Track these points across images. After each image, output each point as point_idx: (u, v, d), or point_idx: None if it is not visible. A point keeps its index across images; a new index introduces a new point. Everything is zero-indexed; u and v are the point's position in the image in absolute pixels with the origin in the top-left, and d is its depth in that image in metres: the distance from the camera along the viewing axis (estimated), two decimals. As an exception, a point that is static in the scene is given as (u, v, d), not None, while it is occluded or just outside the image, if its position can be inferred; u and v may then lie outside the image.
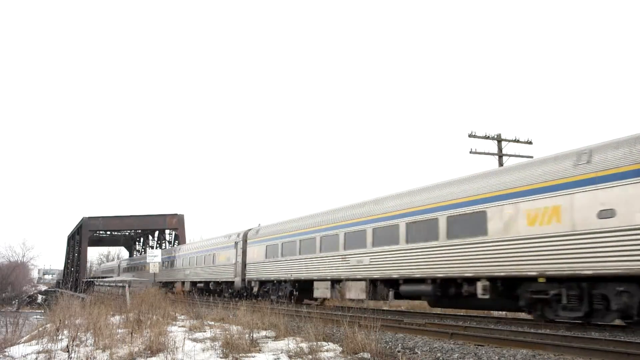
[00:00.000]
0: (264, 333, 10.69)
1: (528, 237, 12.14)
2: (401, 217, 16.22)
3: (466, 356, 7.86)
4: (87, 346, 10.38)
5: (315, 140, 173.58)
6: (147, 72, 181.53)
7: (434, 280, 14.59)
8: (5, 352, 11.21)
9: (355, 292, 17.55)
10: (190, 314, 14.58)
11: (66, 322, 13.26)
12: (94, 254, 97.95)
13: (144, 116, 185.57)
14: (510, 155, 28.09)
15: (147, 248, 61.83)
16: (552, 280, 11.66)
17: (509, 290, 12.84)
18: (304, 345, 8.93)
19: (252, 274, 26.86)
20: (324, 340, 9.32)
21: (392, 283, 16.46)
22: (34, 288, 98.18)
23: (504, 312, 17.12)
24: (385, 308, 18.80)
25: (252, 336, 9.92)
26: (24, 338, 14.12)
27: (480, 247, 13.25)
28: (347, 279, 18.16)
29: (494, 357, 7.71)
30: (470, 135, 27.65)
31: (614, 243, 10.46)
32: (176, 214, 57.28)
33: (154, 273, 33.04)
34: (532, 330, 10.61)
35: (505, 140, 28.40)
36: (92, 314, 14.32)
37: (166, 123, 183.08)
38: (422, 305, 19.86)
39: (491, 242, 12.99)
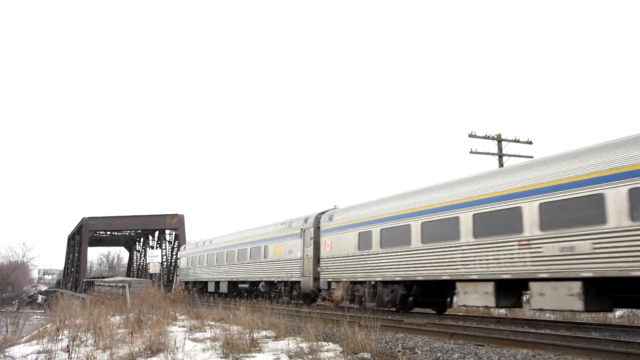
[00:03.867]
0: (264, 333, 10.68)
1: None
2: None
3: (466, 356, 7.87)
4: (87, 346, 10.38)
5: (315, 141, 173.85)
6: (148, 73, 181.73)
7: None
8: (5, 352, 11.21)
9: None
10: (191, 314, 14.55)
11: (66, 322, 13.25)
12: (94, 254, 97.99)
13: (144, 116, 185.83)
14: (510, 155, 28.08)
15: (147, 248, 61.85)
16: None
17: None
18: (304, 345, 8.93)
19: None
20: (324, 340, 9.31)
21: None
22: (34, 288, 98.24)
23: (503, 312, 18.17)
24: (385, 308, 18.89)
25: (252, 336, 9.92)
26: (24, 338, 14.14)
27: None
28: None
29: (494, 357, 7.71)
30: (470, 135, 27.65)
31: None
32: (176, 214, 57.21)
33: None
34: (532, 330, 10.63)
35: (505, 140, 28.39)
36: (93, 314, 14.33)
37: (166, 123, 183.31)
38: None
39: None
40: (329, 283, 19.76)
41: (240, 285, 27.63)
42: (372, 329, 8.74)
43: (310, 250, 21.21)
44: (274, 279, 24.03)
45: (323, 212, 21.35)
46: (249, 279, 26.71)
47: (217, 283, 31.01)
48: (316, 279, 20.57)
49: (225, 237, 31.82)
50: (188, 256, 38.19)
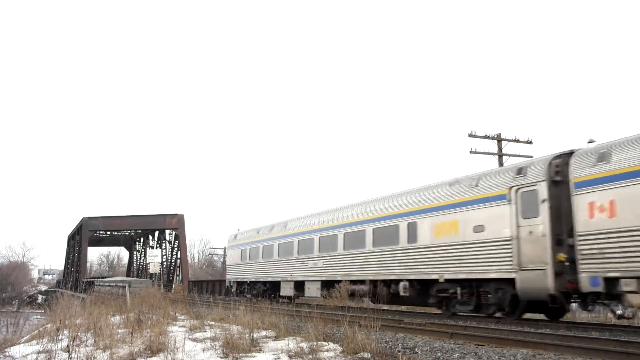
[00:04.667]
0: (264, 333, 10.69)
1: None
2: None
3: (466, 356, 7.87)
4: (87, 346, 10.40)
5: (315, 140, 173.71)
6: (147, 72, 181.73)
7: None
8: (5, 352, 11.23)
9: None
10: (191, 314, 14.59)
11: (66, 322, 13.26)
12: (94, 254, 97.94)
13: (144, 116, 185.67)
14: (510, 155, 28.12)
15: (147, 248, 61.86)
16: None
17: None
18: (304, 345, 8.94)
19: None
20: (324, 340, 9.31)
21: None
22: (34, 288, 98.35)
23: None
24: (385, 308, 18.87)
25: (252, 336, 9.93)
26: (25, 338, 14.14)
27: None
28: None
29: (494, 357, 7.72)
30: (470, 135, 27.69)
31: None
32: (176, 214, 57.25)
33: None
34: (532, 330, 10.64)
35: (505, 140, 28.43)
36: (93, 314, 14.35)
37: (166, 123, 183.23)
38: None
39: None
40: (610, 281, 10.90)
41: (350, 287, 18.55)
42: (372, 329, 8.74)
43: (539, 223, 12.35)
44: (436, 277, 14.98)
45: (567, 153, 12.54)
46: (370, 277, 17.53)
47: (298, 284, 22.15)
48: (560, 273, 11.85)
49: (310, 217, 22.48)
50: (243, 247, 28.16)
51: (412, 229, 16.11)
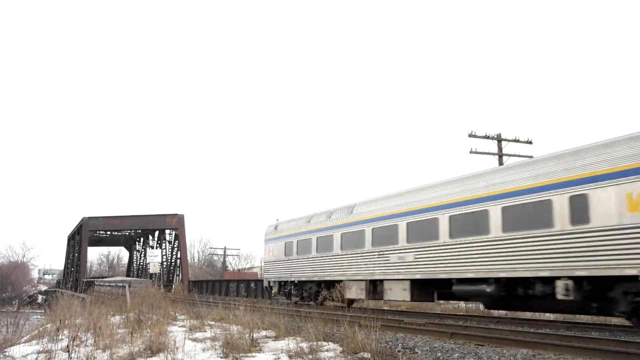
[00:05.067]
0: (264, 333, 10.69)
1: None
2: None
3: (466, 356, 7.87)
4: (87, 346, 10.39)
5: (316, 140, 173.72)
6: (147, 72, 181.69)
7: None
8: (5, 352, 11.22)
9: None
10: (191, 314, 14.59)
11: (66, 322, 13.27)
12: (94, 254, 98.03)
13: (144, 116, 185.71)
14: (510, 155, 28.15)
15: (147, 248, 61.86)
16: None
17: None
18: (304, 345, 8.94)
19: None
20: (324, 340, 9.32)
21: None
22: (34, 288, 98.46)
23: (503, 312, 16.93)
24: (385, 308, 18.80)
25: (252, 336, 9.93)
26: (24, 338, 14.13)
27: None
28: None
29: (494, 357, 7.72)
30: (470, 135, 27.75)
31: None
32: (176, 214, 57.24)
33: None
34: (532, 330, 10.65)
35: (505, 140, 28.48)
36: (93, 314, 14.33)
37: (166, 123, 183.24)
38: (421, 305, 19.86)
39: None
40: None
41: (459, 288, 14.33)
42: (372, 329, 8.74)
43: None
44: (634, 272, 10.20)
45: None
46: (499, 274, 12.95)
47: (372, 283, 17.33)
48: None
49: (390, 198, 17.49)
50: (287, 240, 23.34)
51: (578, 204, 11.31)
